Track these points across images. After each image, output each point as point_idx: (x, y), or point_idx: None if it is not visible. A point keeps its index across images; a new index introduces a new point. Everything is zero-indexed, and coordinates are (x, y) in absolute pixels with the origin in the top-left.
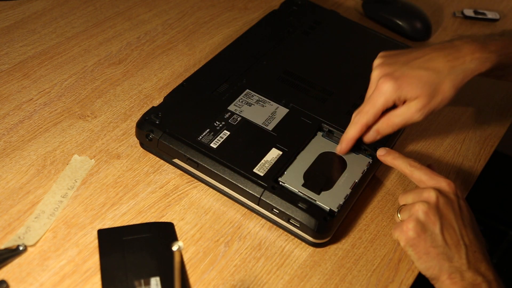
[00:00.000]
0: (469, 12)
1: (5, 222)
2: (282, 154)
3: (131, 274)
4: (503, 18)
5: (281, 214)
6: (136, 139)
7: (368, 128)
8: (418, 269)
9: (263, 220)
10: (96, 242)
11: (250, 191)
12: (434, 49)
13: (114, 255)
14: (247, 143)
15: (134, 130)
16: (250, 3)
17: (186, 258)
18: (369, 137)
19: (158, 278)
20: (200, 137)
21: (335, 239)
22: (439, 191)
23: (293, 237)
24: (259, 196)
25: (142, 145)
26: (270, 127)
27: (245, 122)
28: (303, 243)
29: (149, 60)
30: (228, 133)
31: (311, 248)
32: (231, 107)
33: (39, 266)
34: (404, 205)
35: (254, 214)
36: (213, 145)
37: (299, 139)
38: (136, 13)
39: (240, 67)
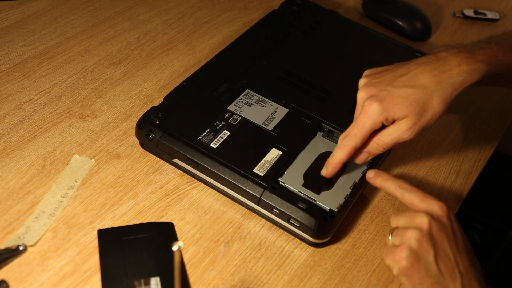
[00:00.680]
0: (469, 12)
1: (5, 222)
2: (282, 154)
3: (131, 274)
4: (503, 18)
5: (281, 214)
6: (136, 139)
7: (358, 150)
8: None
9: (263, 220)
10: (96, 242)
11: (250, 191)
12: (419, 64)
13: (114, 255)
14: (247, 143)
15: (134, 130)
16: (250, 3)
17: (186, 258)
18: (360, 159)
19: (158, 278)
20: (200, 137)
21: (335, 239)
22: (431, 216)
23: (293, 237)
24: (259, 196)
25: (142, 145)
26: (270, 127)
27: (245, 122)
28: (303, 243)
29: (149, 60)
30: (228, 133)
31: (311, 248)
32: (231, 107)
33: (39, 266)
34: (396, 227)
35: (254, 214)
36: (213, 145)
37: (299, 139)
38: (136, 13)
39: (240, 67)
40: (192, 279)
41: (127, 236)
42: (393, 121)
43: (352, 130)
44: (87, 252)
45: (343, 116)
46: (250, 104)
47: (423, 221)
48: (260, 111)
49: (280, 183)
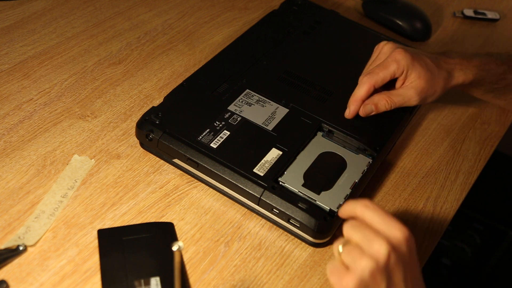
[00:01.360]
0: (469, 12)
1: (5, 222)
2: (282, 154)
3: (131, 274)
4: (503, 18)
5: (281, 214)
6: (136, 139)
7: (366, 102)
8: None
9: (263, 220)
10: (96, 242)
11: (250, 191)
12: (427, 55)
13: (114, 255)
14: (247, 143)
15: (134, 130)
16: (250, 3)
17: (186, 258)
18: (366, 110)
19: (158, 278)
20: (200, 137)
21: (335, 239)
22: (391, 244)
23: (293, 237)
24: (259, 196)
25: (142, 145)
26: (270, 127)
27: (245, 122)
28: (303, 243)
29: (149, 60)
30: (228, 133)
31: (311, 248)
32: (231, 107)
33: (39, 266)
34: (348, 242)
35: (254, 214)
36: (213, 145)
37: (299, 139)
38: (136, 13)
39: (240, 67)
40: (192, 279)
41: (127, 236)
42: (404, 82)
43: (375, 69)
44: (87, 252)
45: (343, 116)
46: (250, 104)
47: (381, 250)
48: (260, 111)
49: (280, 183)
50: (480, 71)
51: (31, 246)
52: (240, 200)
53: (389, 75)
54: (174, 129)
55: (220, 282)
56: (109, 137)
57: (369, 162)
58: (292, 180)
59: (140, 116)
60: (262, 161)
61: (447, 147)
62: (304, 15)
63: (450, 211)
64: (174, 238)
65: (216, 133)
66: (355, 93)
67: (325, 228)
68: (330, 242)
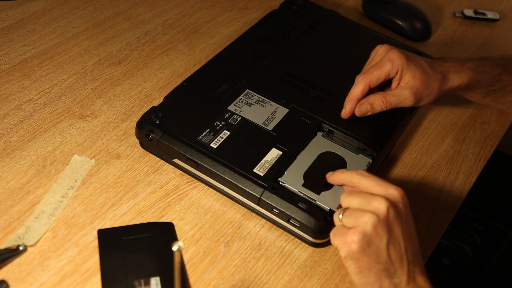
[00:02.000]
0: (469, 12)
1: (5, 222)
2: (282, 154)
3: (131, 274)
4: (503, 18)
5: (281, 214)
6: (136, 139)
7: (361, 102)
8: (355, 283)
9: (263, 220)
10: (96, 242)
11: (250, 191)
12: (422, 59)
13: (114, 255)
14: (247, 143)
15: (134, 130)
16: (250, 3)
17: (186, 258)
18: (361, 110)
19: (158, 278)
20: (200, 137)
21: None
22: (389, 201)
23: (293, 237)
24: (259, 196)
25: (142, 145)
26: (270, 127)
27: (245, 122)
28: (303, 243)
29: (149, 60)
30: (228, 133)
31: (311, 248)
32: (231, 107)
33: (39, 266)
34: (347, 208)
35: (254, 214)
36: (213, 145)
37: (299, 139)
38: (136, 13)
39: (240, 67)
40: (192, 279)
41: (127, 236)
42: (400, 80)
43: (370, 69)
44: (87, 252)
45: None
46: (250, 104)
47: (381, 205)
48: (260, 111)
49: (280, 183)
50: (475, 74)
51: (31, 246)
52: (240, 200)
53: (383, 74)
54: (174, 129)
55: (220, 282)
56: (109, 137)
57: (369, 162)
58: (292, 180)
59: (140, 116)
60: (262, 161)
61: (447, 147)
62: (304, 15)
63: (450, 211)
64: (174, 238)
65: (216, 133)
66: (350, 93)
67: (325, 228)
68: (330, 242)
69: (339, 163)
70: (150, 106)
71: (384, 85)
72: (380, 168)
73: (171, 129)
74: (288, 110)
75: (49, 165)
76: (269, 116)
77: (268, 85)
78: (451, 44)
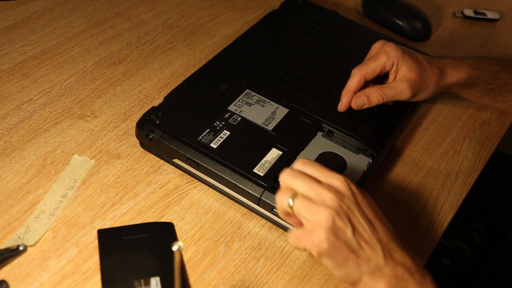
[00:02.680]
0: (469, 12)
1: (5, 222)
2: (282, 154)
3: (131, 274)
4: (503, 18)
5: None
6: (136, 139)
7: (358, 94)
8: (337, 277)
9: (263, 220)
10: (96, 242)
11: (250, 191)
12: (421, 56)
13: (114, 255)
14: (247, 143)
15: (134, 130)
16: (250, 3)
17: (186, 258)
18: (358, 102)
19: (158, 278)
20: (200, 137)
21: None
22: (338, 191)
23: None
24: (259, 196)
25: (142, 145)
26: (270, 127)
27: (245, 122)
28: None
29: (149, 60)
30: (228, 133)
31: None
32: (231, 107)
33: (39, 266)
34: (296, 194)
35: (254, 214)
36: (213, 145)
37: (299, 139)
38: (136, 13)
39: (240, 67)
40: (192, 279)
41: (127, 236)
42: (396, 73)
43: (365, 62)
44: (87, 252)
45: (343, 116)
46: (250, 104)
47: (332, 200)
48: (260, 111)
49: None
50: (473, 70)
51: (31, 246)
52: (240, 200)
53: (379, 66)
54: (174, 129)
55: (220, 282)
56: (109, 137)
57: (369, 162)
58: None
59: (140, 116)
60: (262, 161)
61: (447, 147)
62: (304, 15)
63: (450, 211)
64: (174, 238)
65: (216, 133)
66: (346, 85)
67: None
68: None
69: (339, 163)
70: (150, 106)
71: (382, 81)
72: (380, 168)
73: (171, 129)
74: (288, 110)
75: (49, 165)
76: (269, 116)
77: (268, 85)
78: (451, 44)
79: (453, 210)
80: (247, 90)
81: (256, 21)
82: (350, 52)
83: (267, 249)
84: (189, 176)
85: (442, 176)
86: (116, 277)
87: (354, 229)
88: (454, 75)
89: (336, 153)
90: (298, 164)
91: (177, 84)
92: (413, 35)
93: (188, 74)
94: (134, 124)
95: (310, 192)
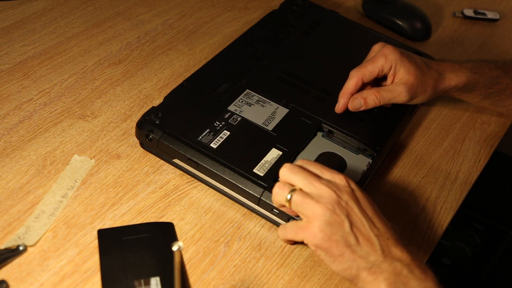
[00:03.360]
0: (469, 12)
1: (5, 222)
2: (282, 154)
3: (131, 274)
4: (503, 18)
5: (281, 214)
6: (136, 139)
7: (355, 96)
8: (334, 272)
9: (263, 220)
10: (96, 242)
11: (250, 191)
12: (420, 59)
13: (114, 255)
14: (247, 143)
15: (134, 130)
16: (250, 3)
17: (186, 258)
18: (354, 104)
19: (158, 278)
20: (200, 137)
21: None
22: (336, 186)
23: None
24: (259, 196)
25: (142, 145)
26: (270, 127)
27: (245, 122)
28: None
29: (149, 60)
30: (228, 133)
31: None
32: (231, 107)
33: (39, 266)
34: (294, 189)
35: (254, 214)
36: (213, 145)
37: (299, 139)
38: (136, 13)
39: (240, 67)
40: (192, 279)
41: (127, 236)
42: (394, 76)
43: (363, 64)
44: (87, 252)
45: (343, 116)
46: (250, 104)
47: (330, 194)
48: (260, 111)
49: None
50: (473, 74)
51: (31, 246)
52: (240, 200)
53: (377, 68)
54: (174, 129)
55: (220, 282)
56: (109, 137)
57: (369, 162)
58: None
59: (140, 116)
60: (262, 161)
61: (447, 147)
62: (304, 15)
63: (450, 211)
64: (174, 238)
65: (216, 133)
66: (344, 87)
67: None
68: None
69: (339, 163)
70: (150, 106)
71: (380, 83)
72: (380, 168)
73: (171, 129)
74: (288, 110)
75: (49, 165)
76: (269, 116)
77: (268, 85)
78: (451, 44)
79: (453, 210)
80: (247, 90)
81: (256, 21)
82: (350, 52)
83: (267, 249)
84: (189, 176)
85: (442, 176)
86: (116, 277)
87: (352, 224)
88: (453, 79)
89: (336, 153)
90: (299, 163)
91: (177, 84)
92: (413, 35)
93: (188, 74)
94: (134, 124)
95: (309, 187)
